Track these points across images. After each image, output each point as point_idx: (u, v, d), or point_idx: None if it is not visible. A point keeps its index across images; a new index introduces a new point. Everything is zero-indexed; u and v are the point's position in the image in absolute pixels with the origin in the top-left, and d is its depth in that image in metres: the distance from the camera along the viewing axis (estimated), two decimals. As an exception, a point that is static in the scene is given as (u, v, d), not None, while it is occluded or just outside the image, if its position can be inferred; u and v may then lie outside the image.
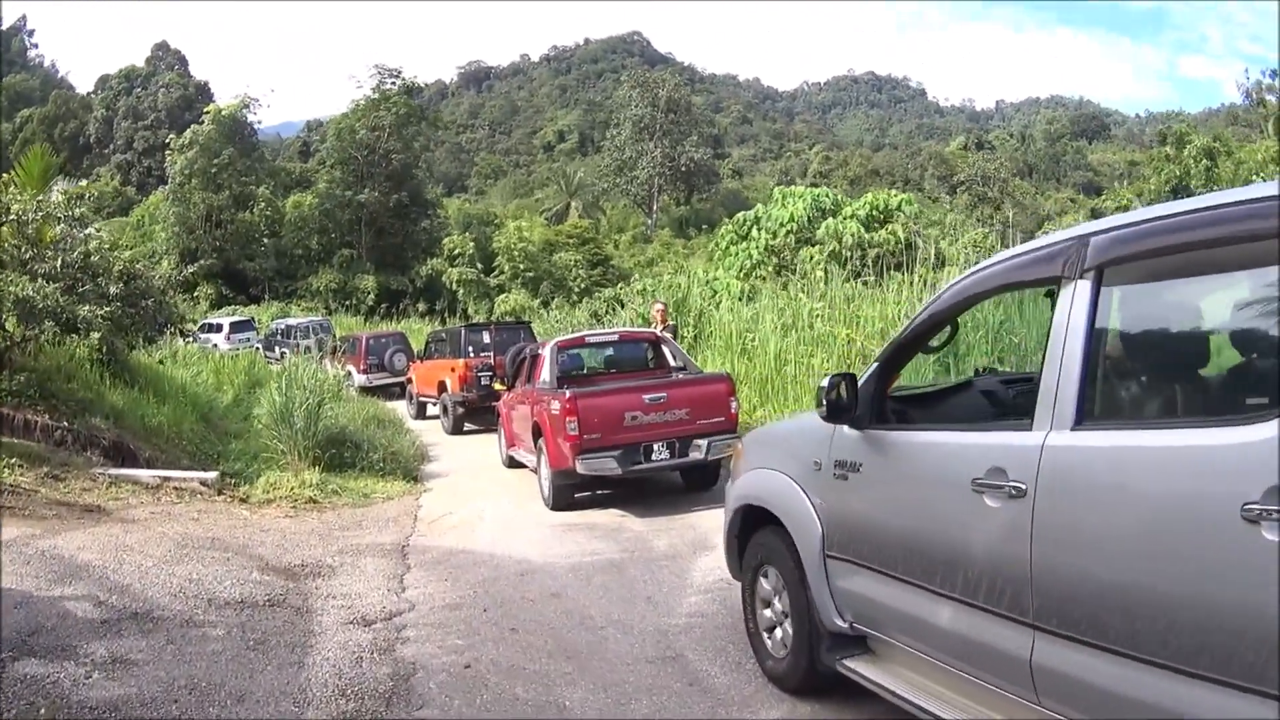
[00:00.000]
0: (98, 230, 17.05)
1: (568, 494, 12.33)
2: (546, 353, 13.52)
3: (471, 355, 21.70)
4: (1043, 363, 3.95)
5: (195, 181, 60.83)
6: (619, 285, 51.19)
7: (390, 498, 13.55)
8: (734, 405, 12.40)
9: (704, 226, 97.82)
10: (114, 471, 12.13)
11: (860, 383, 5.01)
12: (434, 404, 23.45)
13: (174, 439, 15.08)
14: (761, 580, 6.05)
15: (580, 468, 11.48)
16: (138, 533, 9.71)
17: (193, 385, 19.87)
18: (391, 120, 65.89)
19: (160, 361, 20.57)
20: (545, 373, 13.20)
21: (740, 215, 32.31)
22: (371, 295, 60.47)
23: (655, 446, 11.76)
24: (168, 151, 63.79)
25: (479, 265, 62.63)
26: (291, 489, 12.81)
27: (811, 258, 27.46)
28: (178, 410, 16.18)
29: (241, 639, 6.97)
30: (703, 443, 11.86)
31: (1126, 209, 34.62)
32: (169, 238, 61.98)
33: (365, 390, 27.09)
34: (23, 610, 6.85)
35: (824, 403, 5.00)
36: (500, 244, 63.94)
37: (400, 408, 25.19)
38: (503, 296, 58.44)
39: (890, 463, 4.81)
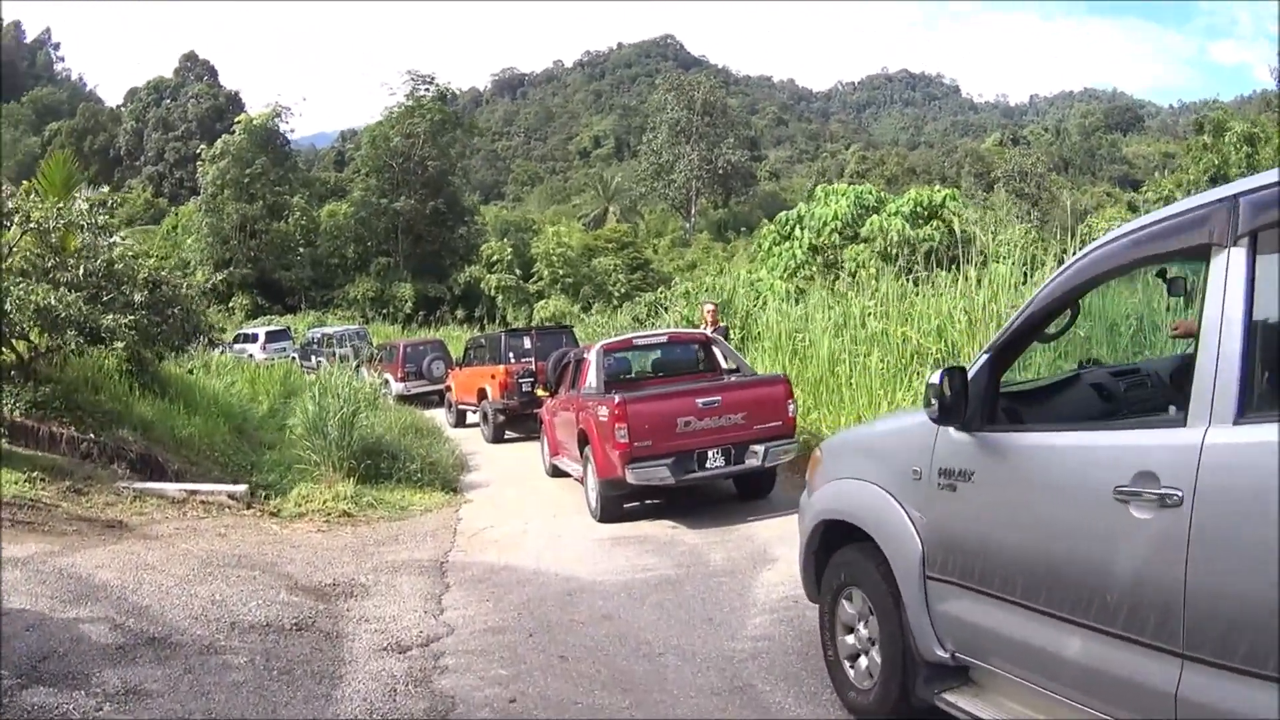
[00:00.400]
0: (124, 238, 16.57)
1: (616, 505, 11.73)
2: (592, 356, 12.92)
3: (512, 361, 21.06)
4: (1196, 346, 3.31)
5: (228, 192, 60.80)
6: (659, 289, 50.78)
7: (428, 510, 12.94)
8: (792, 408, 11.70)
9: (742, 229, 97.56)
10: (139, 485, 11.59)
11: (969, 377, 4.34)
12: (473, 411, 22.88)
13: (205, 450, 14.62)
14: (844, 603, 5.45)
15: (630, 477, 10.85)
16: (160, 550, 9.19)
17: (225, 396, 19.44)
18: (426, 127, 65.55)
19: (190, 371, 19.95)
20: (591, 377, 12.61)
21: (782, 215, 31.52)
22: (409, 303, 60.28)
23: (710, 454, 11.11)
24: (199, 162, 64.01)
25: (518, 271, 62.13)
26: (324, 502, 12.22)
27: (857, 255, 26.82)
28: (209, 421, 15.73)
29: (265, 667, 6.39)
30: (759, 449, 11.19)
31: (1169, 200, 34.00)
32: (202, 248, 62.27)
33: (403, 399, 26.45)
34: (35, 633, 6.41)
35: (933, 401, 4.36)
36: (539, 250, 63.48)
37: (439, 416, 24.71)
38: (542, 303, 58.04)
39: (1011, 470, 4.16)
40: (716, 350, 14.06)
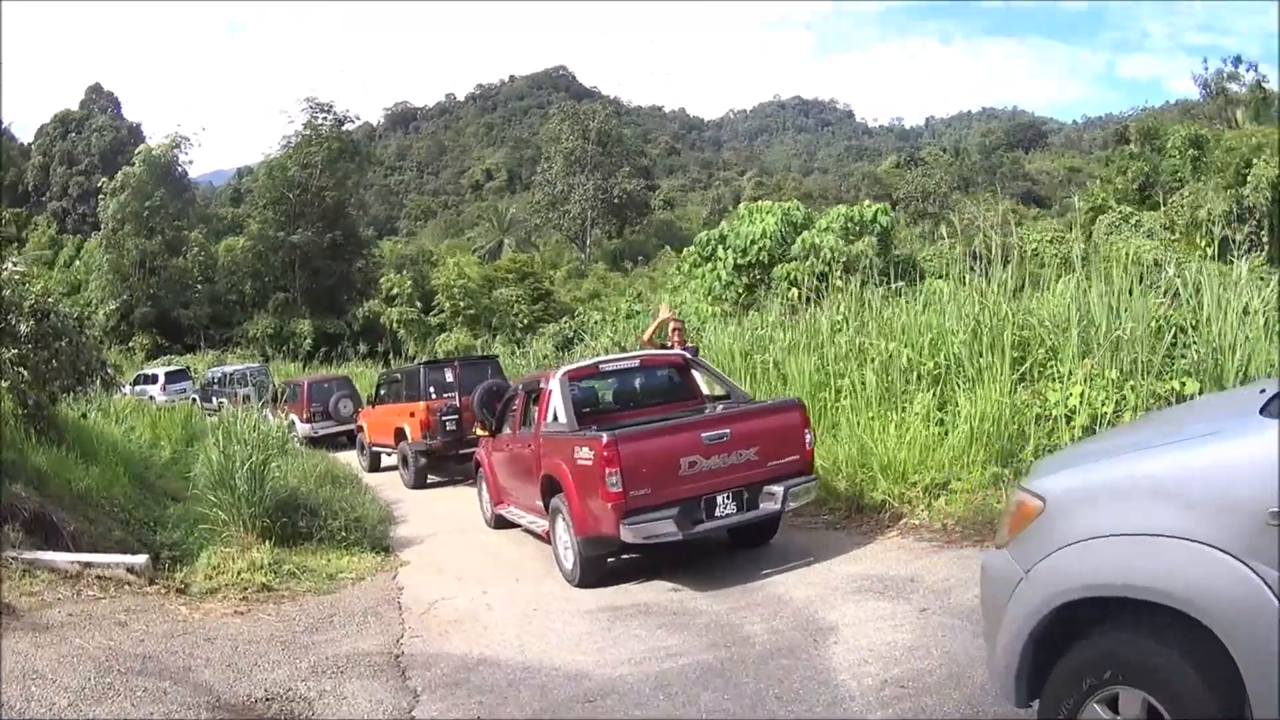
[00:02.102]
0: (15, 263, 14.48)
1: (599, 566, 9.83)
2: (555, 386, 10.76)
3: (433, 396, 18.95)
4: None
5: (129, 227, 58.87)
6: (565, 319, 49.43)
7: (361, 577, 10.94)
8: (809, 438, 10.03)
9: (639, 258, 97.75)
10: (28, 556, 9.37)
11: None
12: (390, 454, 20.88)
13: (104, 506, 12.52)
14: (1097, 709, 3.75)
15: (627, 534, 8.91)
16: (50, 648, 7.17)
17: (125, 442, 17.59)
18: (324, 156, 64.02)
19: (82, 415, 17.88)
20: (557, 411, 10.54)
21: (703, 235, 30.52)
22: (308, 339, 58.53)
23: (719, 498, 9.32)
24: (100, 196, 61.95)
25: (418, 304, 60.07)
26: (239, 573, 10.14)
27: (789, 273, 25.97)
28: (108, 472, 13.73)
29: None
30: (777, 489, 9.43)
31: (1102, 209, 33.46)
32: (103, 285, 59.71)
33: (310, 441, 24.30)
34: None
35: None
36: (439, 282, 61.52)
37: (350, 459, 22.50)
38: (444, 335, 55.88)
39: None
40: (697, 374, 12.32)
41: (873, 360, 12.99)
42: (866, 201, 31.61)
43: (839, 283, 16.63)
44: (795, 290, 23.87)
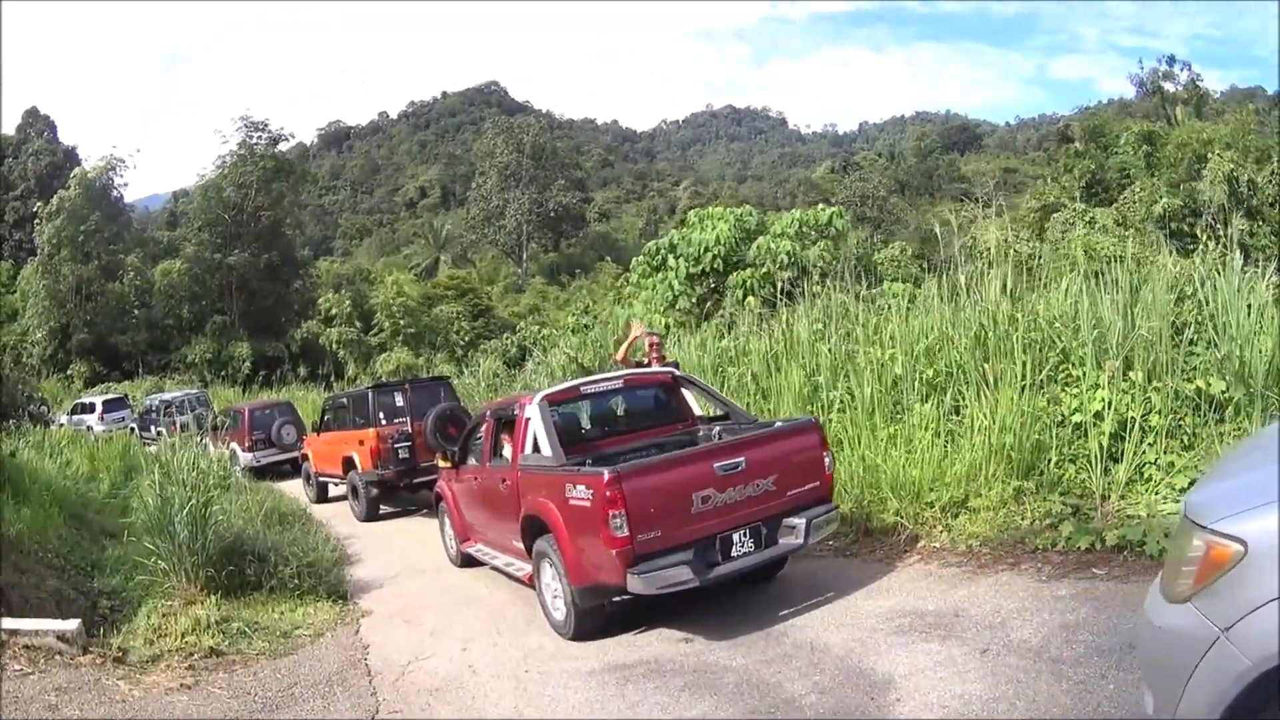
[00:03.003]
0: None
1: (597, 617, 8.54)
2: (534, 413, 9.33)
3: (383, 422, 17.59)
4: None
5: (65, 251, 56.95)
6: (506, 335, 48.39)
7: (320, 634, 9.61)
8: (829, 462, 8.88)
9: (576, 271, 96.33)
10: (-59, 625, 8.09)
11: None
12: (337, 484, 19.45)
13: (37, 552, 11.17)
14: None
15: (636, 585, 7.65)
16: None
17: (60, 478, 16.19)
18: (259, 175, 62.58)
19: (12, 454, 16.50)
20: (540, 441, 9.11)
21: (652, 244, 29.12)
22: (247, 363, 56.96)
23: (735, 537, 8.12)
24: (36, 221, 60.07)
25: (358, 324, 58.59)
26: (184, 635, 8.83)
27: (745, 281, 24.69)
28: (40, 514, 12.42)
29: None
30: (798, 522, 8.32)
31: (1054, 208, 32.82)
32: (39, 312, 57.71)
33: (253, 471, 22.71)
34: None
35: None
36: (379, 300, 60.20)
37: (296, 489, 21.12)
38: (385, 355, 54.53)
39: None
40: (688, 393, 11.06)
41: (867, 370, 11.89)
42: (820, 206, 30.63)
43: (816, 287, 15.60)
44: (752, 298, 23.18)
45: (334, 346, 57.38)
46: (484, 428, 11.08)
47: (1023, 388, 9.86)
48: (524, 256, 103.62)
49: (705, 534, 7.98)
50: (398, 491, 17.53)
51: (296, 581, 10.82)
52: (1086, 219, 36.48)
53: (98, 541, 13.23)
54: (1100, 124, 64.07)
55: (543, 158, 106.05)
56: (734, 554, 8.11)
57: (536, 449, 9.19)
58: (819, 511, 8.48)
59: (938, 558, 9.02)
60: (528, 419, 9.43)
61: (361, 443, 17.36)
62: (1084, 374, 9.66)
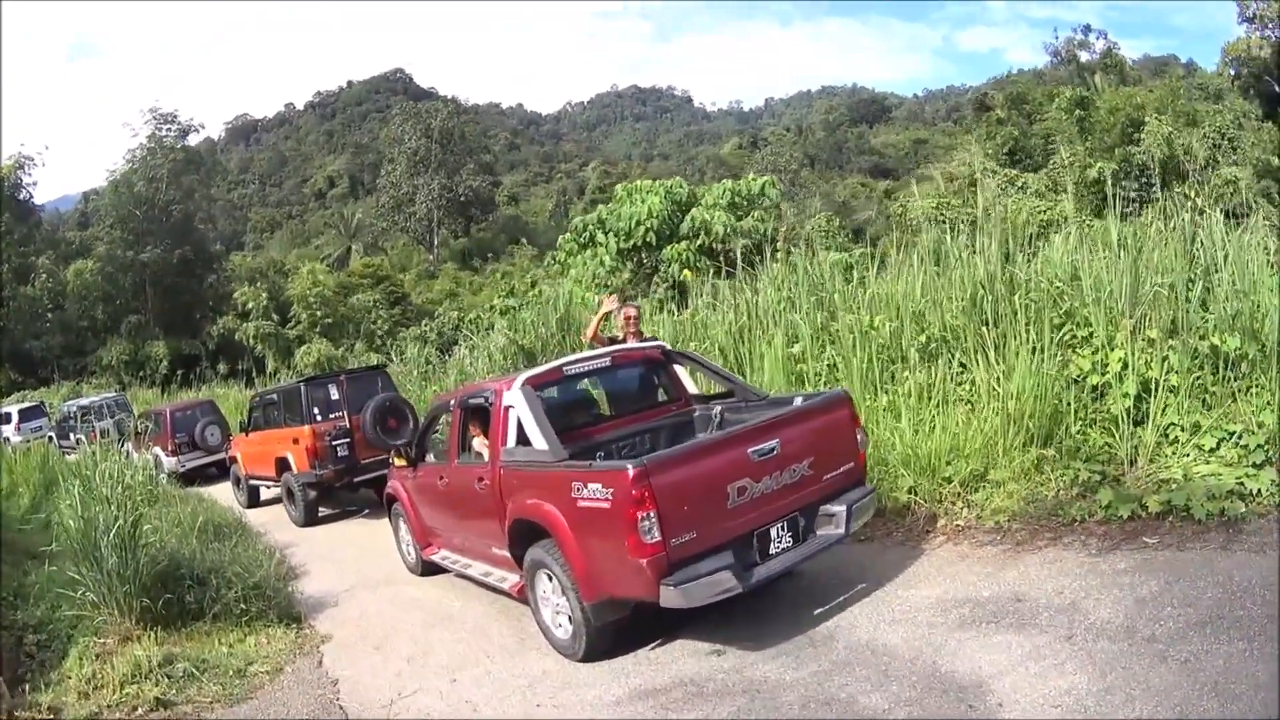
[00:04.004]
0: None
1: (610, 636, 7.28)
2: (516, 399, 7.98)
3: (318, 419, 16.00)
4: None
5: (-27, 256, 54.26)
6: (425, 322, 47.18)
7: (279, 668, 8.20)
8: (861, 439, 7.81)
9: (488, 255, 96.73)
10: None
11: None
12: (270, 486, 17.90)
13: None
14: None
15: (673, 598, 6.38)
16: None
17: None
18: (169, 168, 60.68)
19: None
20: (529, 433, 7.76)
21: (578, 220, 28.16)
22: (165, 362, 55.28)
23: (773, 531, 6.98)
24: (-59, 224, 57.27)
25: (275, 317, 56.53)
26: (123, 684, 7.43)
27: (680, 255, 24.20)
28: (-49, 537, 10.62)
29: None
30: (837, 509, 7.23)
31: (980, 178, 32.28)
32: (-52, 320, 54.97)
33: (178, 477, 20.95)
34: None
35: None
36: (294, 292, 58.12)
37: (226, 494, 19.53)
38: (304, 348, 52.54)
39: None
40: (680, 371, 9.78)
41: (851, 337, 10.94)
42: (751, 175, 29.64)
43: (780, 253, 14.60)
44: (687, 271, 22.43)
45: (251, 341, 55.11)
46: (448, 421, 9.71)
47: (1032, 350, 9.06)
48: (435, 243, 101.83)
49: (742, 530, 6.81)
50: (337, 492, 16.09)
51: (243, 606, 9.33)
52: (1018, 184, 36.20)
53: (19, 564, 11.70)
54: (1023, 91, 64.99)
55: (451, 142, 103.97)
56: (772, 551, 6.98)
57: (524, 441, 7.84)
58: (857, 496, 7.44)
59: (966, 537, 8.19)
60: (508, 407, 8.06)
61: (296, 441, 15.84)
62: (1090, 334, 9.04)
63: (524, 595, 7.93)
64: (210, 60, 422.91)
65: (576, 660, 7.29)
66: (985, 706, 5.30)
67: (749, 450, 6.89)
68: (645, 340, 10.87)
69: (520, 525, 7.68)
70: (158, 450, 22.37)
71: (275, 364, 51.28)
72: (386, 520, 11.73)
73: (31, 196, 62.70)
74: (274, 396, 17.83)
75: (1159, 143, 36.83)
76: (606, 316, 12.04)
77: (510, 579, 8.24)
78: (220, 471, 22.25)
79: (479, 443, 9.19)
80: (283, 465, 16.37)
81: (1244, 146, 38.53)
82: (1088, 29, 76.52)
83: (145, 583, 8.85)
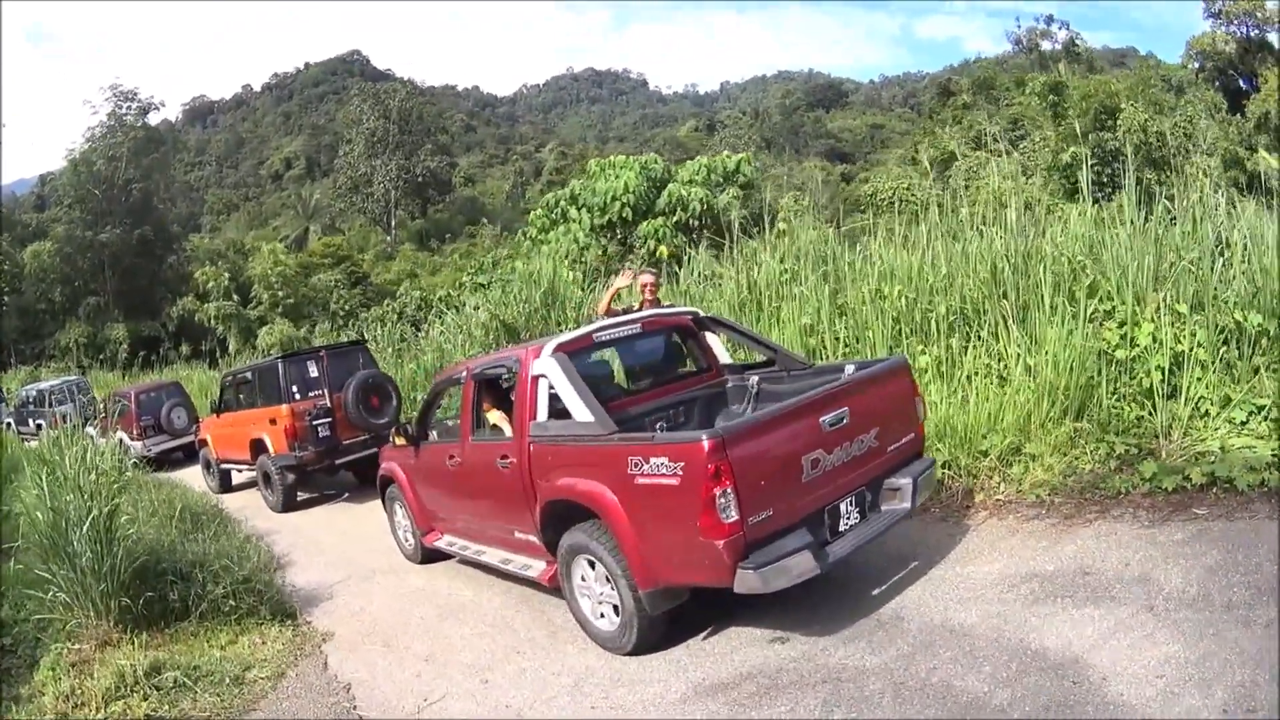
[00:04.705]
0: None
1: (662, 627, 6.56)
2: (549, 368, 7.14)
3: (297, 397, 14.82)
4: None
5: (-73, 239, 52.63)
6: (387, 301, 46.58)
7: (280, 672, 7.31)
8: (921, 409, 7.30)
9: (445, 236, 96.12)
10: None
11: None
12: (243, 470, 17.01)
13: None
14: None
15: (750, 583, 5.69)
16: None
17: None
18: (129, 146, 58.99)
19: None
20: (570, 405, 6.90)
21: (549, 196, 27.70)
22: (124, 345, 53.63)
23: (843, 507, 6.39)
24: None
25: (235, 297, 55.21)
26: (107, 699, 6.54)
27: (656, 231, 23.94)
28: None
29: None
30: (902, 482, 6.70)
31: (953, 157, 32.18)
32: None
33: (146, 461, 19.84)
34: None
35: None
36: (255, 272, 56.84)
37: (192, 478, 18.59)
38: (266, 328, 51.41)
39: None
40: (712, 338, 8.93)
41: (869, 308, 10.60)
42: (726, 152, 29.05)
43: (783, 225, 13.92)
44: (664, 247, 22.55)
45: (213, 322, 53.98)
46: (457, 394, 8.87)
47: (1062, 322, 8.82)
48: (393, 224, 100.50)
49: (815, 507, 6.19)
50: (316, 475, 15.18)
51: (232, 602, 8.43)
52: (989, 167, 36.13)
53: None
54: (990, 77, 65.42)
55: (409, 123, 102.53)
56: (841, 528, 6.38)
57: (559, 414, 7.05)
58: (920, 468, 6.91)
59: (1010, 511, 7.74)
60: (537, 377, 7.22)
61: (273, 421, 14.81)
62: (1114, 308, 8.77)
63: (555, 584, 7.19)
64: (166, 42, 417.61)
65: (623, 654, 6.58)
66: (1089, 681, 4.95)
67: (821, 418, 6.26)
68: (663, 308, 10.02)
69: (555, 507, 6.93)
70: (122, 434, 21.23)
71: (237, 345, 50.18)
72: (370, 505, 11.24)
73: (-12, 177, 61.15)
74: (248, 375, 16.66)
75: (1135, 130, 36.78)
76: (618, 293, 11.24)
77: (536, 566, 7.50)
78: (187, 455, 21.38)
79: (497, 417, 8.42)
80: (259, 447, 15.36)
81: (1213, 137, 38.82)
82: (1050, 19, 77.02)
83: (123, 580, 7.94)
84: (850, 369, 7.45)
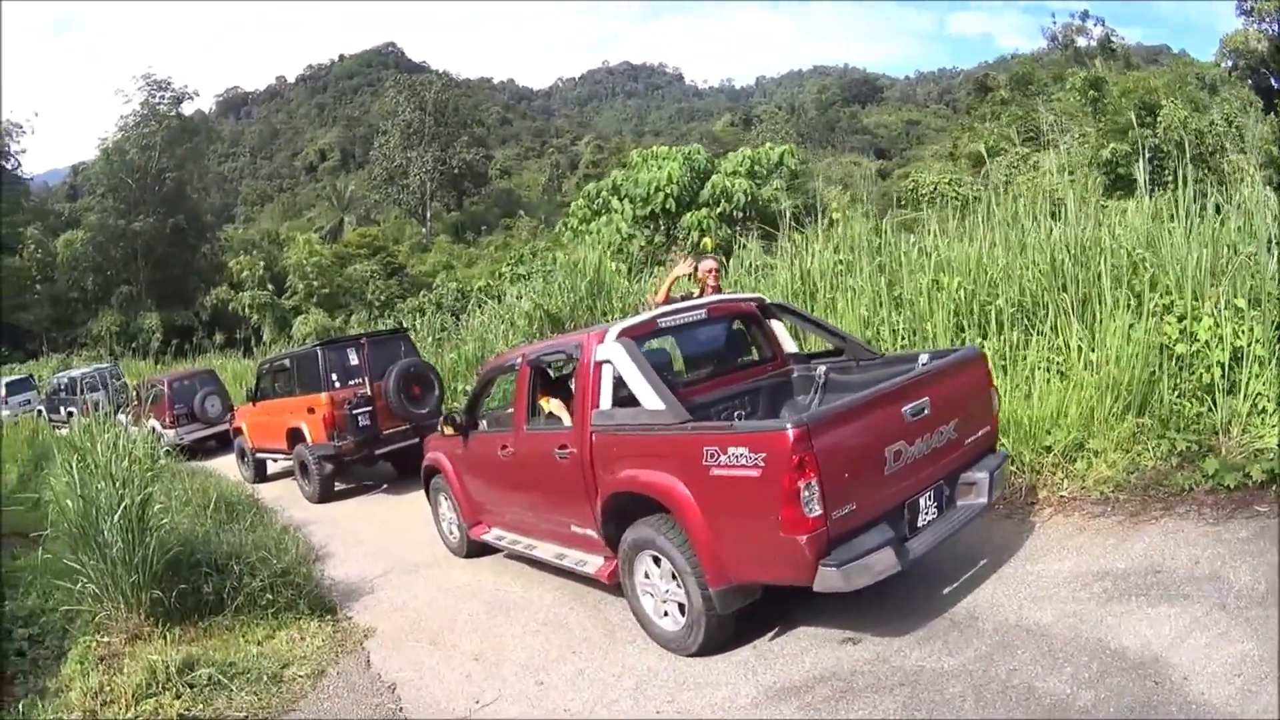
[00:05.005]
0: None
1: (730, 626, 6.20)
2: (614, 353, 6.73)
3: (336, 385, 14.50)
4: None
5: (-41, 227, 52.68)
6: (423, 293, 46.50)
7: (320, 670, 6.95)
8: (996, 401, 7.00)
9: (481, 228, 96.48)
10: None
11: None
12: (278, 459, 16.76)
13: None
14: None
15: (833, 580, 5.32)
16: None
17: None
18: (163, 136, 58.75)
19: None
20: (639, 392, 6.48)
21: (591, 187, 27.52)
22: (157, 334, 53.45)
23: (922, 502, 6.07)
24: (-74, 194, 55.64)
25: (270, 287, 55.06)
26: (137, 698, 6.17)
27: (700, 222, 23.61)
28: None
29: None
30: (979, 476, 6.40)
31: (995, 152, 31.87)
32: (-69, 293, 53.30)
33: (179, 450, 19.53)
34: None
35: None
36: (290, 261, 56.67)
37: (225, 467, 18.25)
38: (301, 318, 51.25)
39: None
40: (776, 326, 8.50)
41: (924, 300, 10.34)
42: (768, 144, 28.60)
43: (836, 215, 13.57)
44: (707, 239, 21.49)
45: (247, 311, 54.03)
46: (510, 382, 8.47)
47: (1126, 314, 8.66)
48: (428, 215, 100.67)
49: (896, 501, 5.86)
50: (353, 465, 14.86)
51: (269, 596, 8.06)
52: (1030, 162, 35.61)
53: (7, 545, 10.41)
54: (1029, 72, 65.08)
55: (445, 114, 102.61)
56: (919, 524, 6.06)
57: (626, 402, 6.68)
58: (996, 462, 6.63)
59: (1075, 508, 7.49)
60: (601, 363, 6.83)
61: (312, 410, 14.47)
62: (1172, 302, 8.48)
63: (614, 580, 6.84)
64: (200, 34, 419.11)
65: (688, 655, 6.22)
66: (1170, 681, 4.80)
67: (903, 408, 5.93)
68: (726, 295, 9.56)
69: (619, 500, 6.57)
70: (154, 422, 20.99)
71: (272, 334, 50.05)
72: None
73: (20, 164, 61.34)
74: (286, 362, 16.31)
75: (1176, 126, 36.29)
76: (686, 277, 10.81)
77: (593, 561, 7.15)
78: (221, 444, 21.16)
79: (555, 406, 8.09)
80: (296, 436, 15.06)
81: (1259, 136, 38.30)
82: (1085, 15, 76.57)
83: (155, 571, 7.59)
84: (925, 359, 7.11)
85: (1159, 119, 38.01)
